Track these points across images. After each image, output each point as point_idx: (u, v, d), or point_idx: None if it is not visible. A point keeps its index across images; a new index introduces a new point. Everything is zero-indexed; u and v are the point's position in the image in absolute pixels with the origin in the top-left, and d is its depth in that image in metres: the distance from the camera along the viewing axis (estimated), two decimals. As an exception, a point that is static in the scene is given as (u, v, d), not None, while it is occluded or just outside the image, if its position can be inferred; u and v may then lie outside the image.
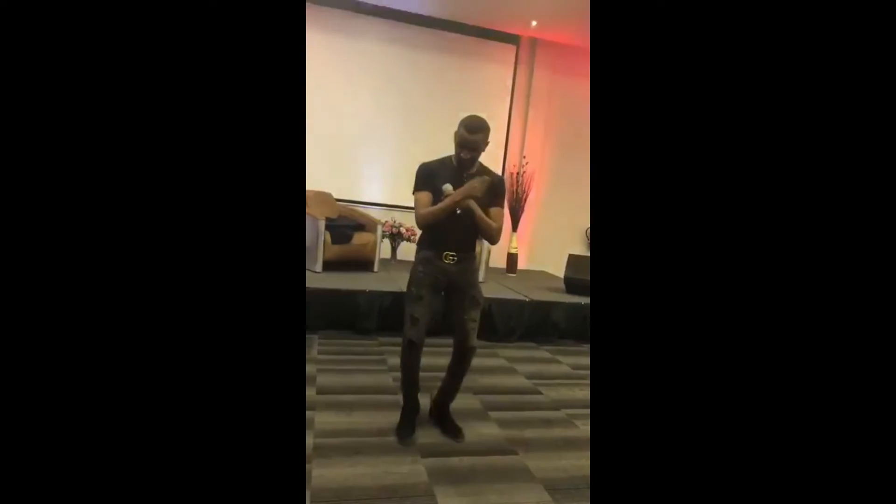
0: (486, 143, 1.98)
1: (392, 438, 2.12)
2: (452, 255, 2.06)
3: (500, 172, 5.46)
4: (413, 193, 2.04)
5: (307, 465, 1.84)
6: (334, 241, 4.08)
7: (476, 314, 2.12)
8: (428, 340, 2.12)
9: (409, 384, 2.16)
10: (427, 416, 2.32)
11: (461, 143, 1.95)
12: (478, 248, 4.47)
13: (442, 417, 2.27)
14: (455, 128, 1.98)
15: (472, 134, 1.93)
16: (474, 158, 2.00)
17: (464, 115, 1.99)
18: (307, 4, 4.73)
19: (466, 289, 2.11)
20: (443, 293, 2.15)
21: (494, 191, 2.07)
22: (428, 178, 2.02)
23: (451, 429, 2.23)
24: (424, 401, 2.32)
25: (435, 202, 1.99)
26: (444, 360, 2.24)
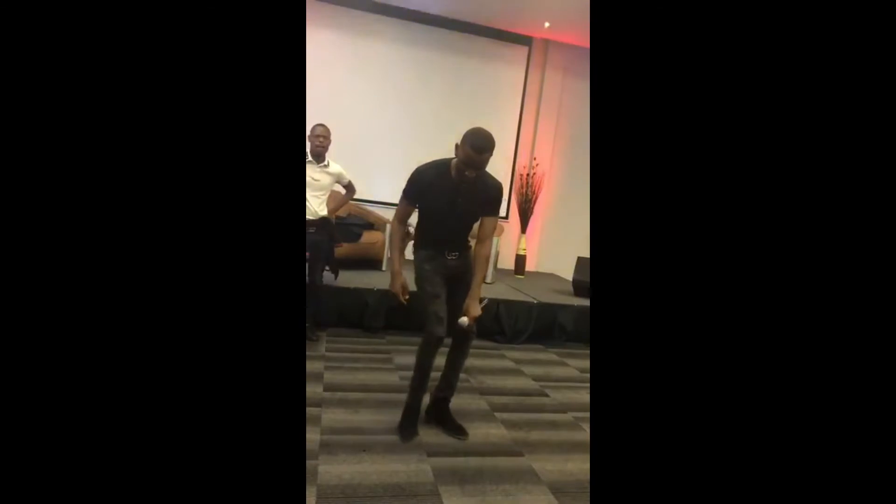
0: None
1: (398, 437, 2.13)
2: (455, 254, 2.13)
3: (509, 174, 5.50)
4: (401, 195, 2.07)
5: (314, 462, 1.85)
6: (343, 240, 4.10)
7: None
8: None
9: (424, 380, 2.16)
10: (425, 415, 2.31)
11: (466, 162, 1.89)
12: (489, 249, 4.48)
13: (443, 416, 2.27)
14: (464, 128, 1.93)
15: (479, 154, 1.87)
16: (479, 176, 1.97)
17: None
18: (319, 3, 4.76)
19: (463, 276, 2.15)
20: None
21: (490, 198, 2.06)
22: (419, 191, 2.03)
23: (453, 427, 2.23)
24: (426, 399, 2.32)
25: (424, 217, 2.08)
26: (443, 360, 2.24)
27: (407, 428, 2.15)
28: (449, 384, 2.26)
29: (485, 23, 5.17)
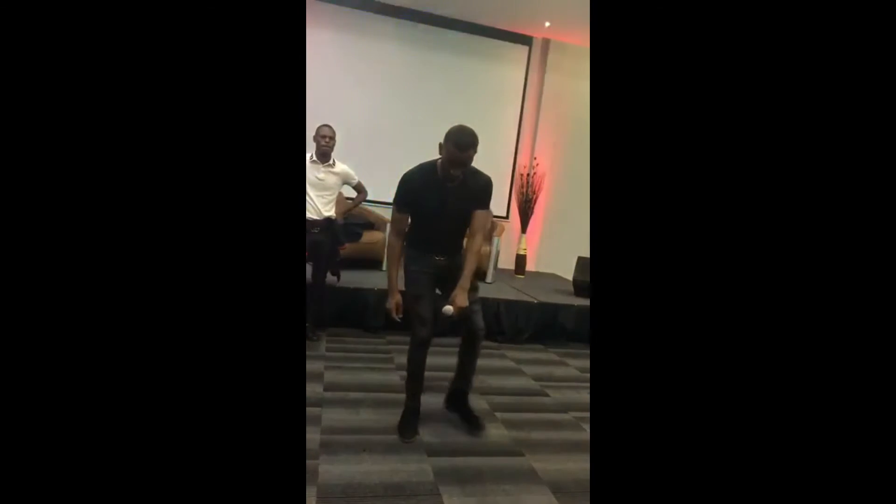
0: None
1: (398, 437, 2.13)
2: (443, 256, 2.12)
3: (509, 174, 5.50)
4: (393, 205, 2.06)
5: (314, 462, 1.86)
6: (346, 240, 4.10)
7: (473, 296, 2.11)
8: (433, 339, 2.14)
9: (416, 381, 2.18)
10: (434, 413, 2.32)
11: (450, 160, 1.89)
12: (486, 249, 4.48)
13: (461, 407, 2.29)
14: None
15: (463, 151, 1.86)
16: (468, 174, 1.97)
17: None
18: (319, 3, 4.76)
19: (452, 277, 2.10)
20: (437, 290, 2.17)
21: (480, 194, 2.06)
22: (409, 195, 2.01)
23: (470, 419, 2.24)
24: (425, 399, 2.33)
25: (416, 219, 2.05)
26: (448, 360, 2.25)
27: (407, 428, 2.15)
28: (463, 376, 2.28)
29: (485, 23, 5.16)
